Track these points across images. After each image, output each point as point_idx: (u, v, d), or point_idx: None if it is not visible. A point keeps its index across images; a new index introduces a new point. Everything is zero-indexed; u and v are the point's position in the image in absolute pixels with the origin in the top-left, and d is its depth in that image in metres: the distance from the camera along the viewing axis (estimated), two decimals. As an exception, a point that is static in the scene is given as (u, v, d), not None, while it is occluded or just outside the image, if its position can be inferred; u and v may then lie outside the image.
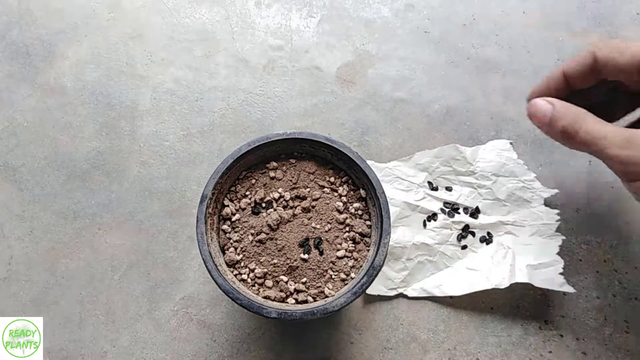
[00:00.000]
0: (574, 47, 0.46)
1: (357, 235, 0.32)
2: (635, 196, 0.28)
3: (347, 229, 0.32)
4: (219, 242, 0.32)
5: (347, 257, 0.31)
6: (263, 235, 0.31)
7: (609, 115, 0.32)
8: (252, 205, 0.33)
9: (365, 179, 0.32)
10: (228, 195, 0.33)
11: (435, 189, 0.40)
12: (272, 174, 0.33)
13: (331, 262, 0.31)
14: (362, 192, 0.33)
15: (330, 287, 0.30)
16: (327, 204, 0.32)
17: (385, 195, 0.31)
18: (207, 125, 0.43)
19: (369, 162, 0.34)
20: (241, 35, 0.47)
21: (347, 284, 0.30)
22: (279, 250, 0.31)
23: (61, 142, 0.42)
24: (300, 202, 0.33)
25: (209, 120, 0.43)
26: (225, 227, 0.32)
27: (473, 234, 0.39)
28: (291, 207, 0.32)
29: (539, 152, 0.42)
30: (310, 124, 0.43)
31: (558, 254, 0.36)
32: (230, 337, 0.36)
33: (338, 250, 0.31)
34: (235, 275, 0.31)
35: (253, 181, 0.33)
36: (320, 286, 0.30)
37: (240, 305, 0.28)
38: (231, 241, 0.32)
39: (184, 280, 0.38)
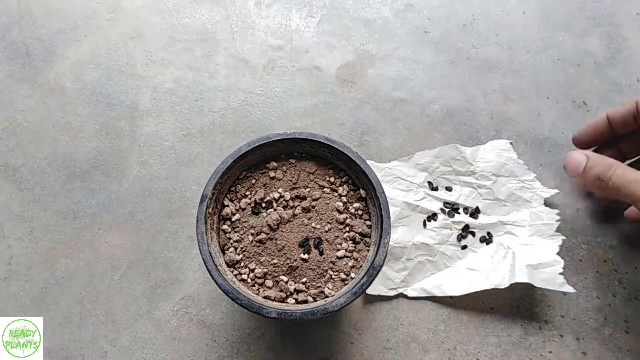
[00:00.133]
0: (574, 47, 0.46)
1: (357, 235, 0.32)
2: None
3: (347, 229, 0.32)
4: (219, 242, 0.32)
5: (347, 257, 0.31)
6: (263, 235, 0.31)
7: None
8: (252, 205, 0.33)
9: (365, 179, 0.32)
10: (228, 195, 0.33)
11: (435, 189, 0.40)
12: (272, 174, 0.33)
13: (331, 262, 0.31)
14: (362, 192, 0.33)
15: (330, 287, 0.30)
16: (327, 204, 0.32)
17: (385, 195, 0.31)
18: (207, 125, 0.43)
19: (369, 162, 0.34)
20: (241, 35, 0.47)
21: (347, 284, 0.30)
22: (279, 250, 0.31)
23: (61, 142, 0.42)
24: (300, 202, 0.33)
25: (209, 120, 0.43)
26: (225, 227, 0.32)
27: (473, 234, 0.39)
28: (291, 207, 0.32)
29: (539, 152, 0.42)
30: (310, 124, 0.43)
31: (558, 254, 0.36)
32: (230, 337, 0.36)
33: (338, 250, 0.31)
34: (235, 275, 0.31)
35: (253, 181, 0.33)
36: (320, 286, 0.30)
37: (240, 305, 0.28)
38: (231, 241, 0.32)
39: (184, 280, 0.38)
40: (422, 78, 0.45)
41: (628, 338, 0.36)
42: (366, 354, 0.35)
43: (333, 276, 0.31)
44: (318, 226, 0.32)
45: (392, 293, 0.37)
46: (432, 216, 0.39)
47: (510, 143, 0.41)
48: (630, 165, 0.37)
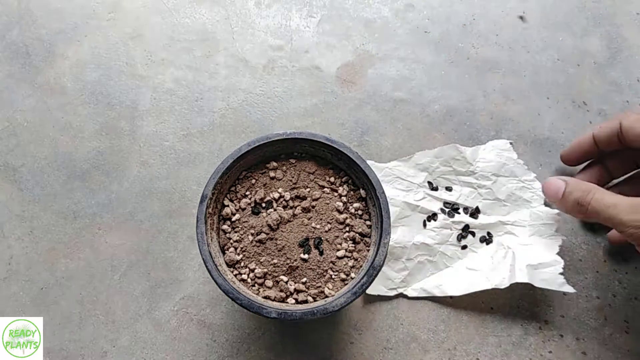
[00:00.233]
0: (574, 47, 0.46)
1: (357, 235, 0.32)
2: None
3: (347, 229, 0.32)
4: (219, 242, 0.32)
5: (347, 257, 0.31)
6: (263, 235, 0.31)
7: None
8: (252, 205, 0.33)
9: (365, 179, 0.32)
10: (228, 195, 0.33)
11: (435, 189, 0.40)
12: (272, 174, 0.33)
13: (331, 262, 0.31)
14: (362, 192, 0.33)
15: (330, 287, 0.30)
16: (327, 204, 0.32)
17: (385, 195, 0.31)
18: (207, 125, 0.43)
19: (369, 162, 0.34)
20: (241, 35, 0.47)
21: (347, 284, 0.30)
22: (279, 250, 0.31)
23: (61, 142, 0.42)
24: (300, 202, 0.33)
25: (209, 120, 0.43)
26: (225, 227, 0.32)
27: (473, 234, 0.39)
28: (291, 207, 0.32)
29: (539, 152, 0.42)
30: (310, 124, 0.43)
31: (558, 254, 0.36)
32: (230, 337, 0.36)
33: (338, 250, 0.31)
34: (235, 275, 0.31)
35: (253, 181, 0.33)
36: (320, 286, 0.30)
37: (240, 305, 0.28)
38: (231, 241, 0.32)
39: (184, 280, 0.38)
40: (422, 78, 0.45)
41: (628, 338, 0.36)
42: (366, 354, 0.35)
43: (333, 276, 0.31)
44: (318, 226, 0.32)
45: (392, 293, 0.37)
46: (432, 216, 0.39)
47: (510, 143, 0.41)
48: (617, 184, 0.38)
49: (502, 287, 0.35)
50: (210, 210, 0.31)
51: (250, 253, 0.31)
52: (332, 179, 0.34)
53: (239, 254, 0.31)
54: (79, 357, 0.35)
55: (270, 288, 0.30)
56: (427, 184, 0.40)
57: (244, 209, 0.33)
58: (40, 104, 0.44)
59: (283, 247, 0.31)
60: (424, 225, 0.39)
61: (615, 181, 0.39)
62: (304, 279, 0.30)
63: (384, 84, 0.45)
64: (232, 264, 0.31)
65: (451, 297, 0.37)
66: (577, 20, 0.47)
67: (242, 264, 0.31)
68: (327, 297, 0.30)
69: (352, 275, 0.31)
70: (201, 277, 0.38)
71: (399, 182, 0.40)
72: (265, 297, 0.30)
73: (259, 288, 0.30)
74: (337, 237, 0.32)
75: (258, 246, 0.31)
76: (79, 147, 0.42)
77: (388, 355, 0.35)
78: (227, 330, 0.36)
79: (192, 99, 0.44)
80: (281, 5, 0.48)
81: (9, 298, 0.37)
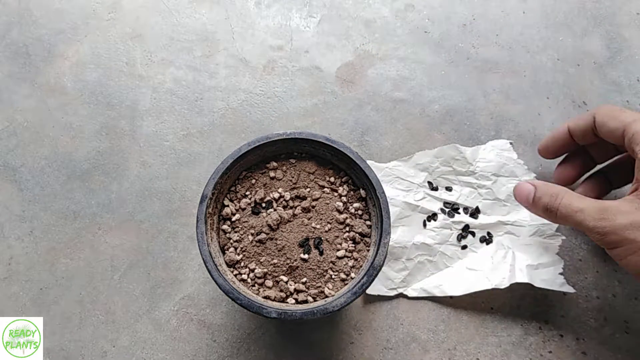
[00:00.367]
0: (574, 47, 0.46)
1: (357, 235, 0.32)
2: (619, 262, 0.30)
3: (347, 229, 0.32)
4: (219, 242, 0.32)
5: (347, 257, 0.31)
6: (263, 235, 0.31)
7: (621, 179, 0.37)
8: (252, 205, 0.33)
9: (365, 179, 0.32)
10: (228, 195, 0.33)
11: (435, 189, 0.40)
12: (272, 174, 0.33)
13: (331, 262, 0.31)
14: (362, 192, 0.33)
15: (330, 287, 0.30)
16: (327, 204, 0.32)
17: (385, 195, 0.31)
18: (207, 125, 0.43)
19: (369, 162, 0.34)
20: (241, 35, 0.47)
21: (347, 284, 0.30)
22: (279, 250, 0.31)
23: (61, 142, 0.42)
24: (300, 202, 0.33)
25: (209, 120, 0.43)
26: (225, 227, 0.32)
27: (473, 234, 0.39)
28: (291, 207, 0.32)
29: (539, 152, 0.42)
30: (310, 124, 0.43)
31: (558, 254, 0.36)
32: (230, 337, 0.36)
33: (338, 250, 0.31)
34: (235, 275, 0.31)
35: (253, 181, 0.33)
36: (320, 286, 0.30)
37: (240, 305, 0.28)
38: (231, 241, 0.32)
39: (184, 280, 0.38)
40: (422, 78, 0.45)
41: (628, 338, 0.36)
42: (366, 354, 0.35)
43: (333, 276, 0.31)
44: (318, 226, 0.32)
45: (392, 293, 0.37)
46: (432, 216, 0.39)
47: (510, 143, 0.41)
48: (602, 170, 0.38)
49: (502, 287, 0.35)
50: (210, 210, 0.31)
51: (250, 253, 0.31)
52: (332, 179, 0.34)
53: (239, 254, 0.31)
54: (79, 357, 0.35)
55: (270, 288, 0.30)
56: (427, 184, 0.40)
57: (244, 209, 0.33)
58: (40, 104, 0.44)
59: (283, 247, 0.31)
60: (424, 225, 0.39)
61: (599, 166, 0.38)
62: (304, 279, 0.30)
63: (384, 84, 0.45)
64: (232, 264, 0.31)
65: (451, 297, 0.37)
66: (577, 20, 0.47)
67: (242, 264, 0.31)
68: (327, 297, 0.30)
69: (352, 275, 0.31)
70: (201, 277, 0.38)
71: (399, 182, 0.40)
72: (265, 297, 0.30)
73: (259, 288, 0.30)
74: (337, 237, 0.32)
75: (258, 246, 0.31)
76: (79, 147, 0.42)
77: (388, 355, 0.35)
78: (227, 330, 0.36)
79: (192, 99, 0.44)
80: (281, 5, 0.48)
81: (9, 298, 0.37)
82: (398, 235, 0.38)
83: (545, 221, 0.38)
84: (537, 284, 0.35)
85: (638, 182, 0.29)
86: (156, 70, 0.45)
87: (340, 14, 0.48)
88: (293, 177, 0.33)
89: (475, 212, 0.39)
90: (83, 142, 0.42)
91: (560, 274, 0.36)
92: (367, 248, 0.32)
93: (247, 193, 0.33)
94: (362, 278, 0.29)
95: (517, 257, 0.36)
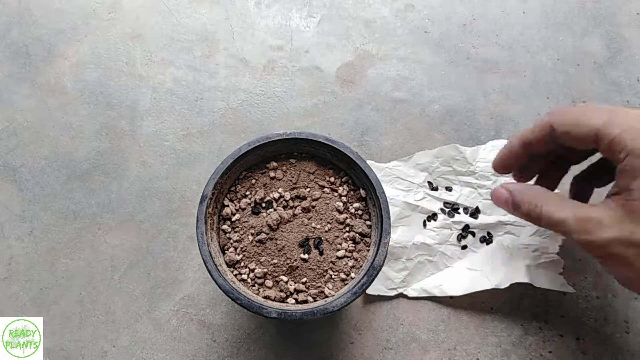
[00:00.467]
0: (574, 47, 0.46)
1: (357, 235, 0.32)
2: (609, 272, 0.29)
3: (347, 229, 0.32)
4: (219, 242, 0.32)
5: (347, 257, 0.31)
6: (263, 235, 0.31)
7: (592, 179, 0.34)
8: (252, 205, 0.33)
9: (365, 179, 0.32)
10: (228, 195, 0.33)
11: (435, 189, 0.40)
12: (272, 174, 0.33)
13: (331, 262, 0.31)
14: (362, 192, 0.33)
15: (330, 287, 0.30)
16: (327, 204, 0.32)
17: (385, 195, 0.31)
18: (207, 125, 0.43)
19: (369, 162, 0.34)
20: (241, 35, 0.47)
21: (347, 284, 0.30)
22: (279, 250, 0.31)
23: (61, 142, 0.42)
24: (300, 202, 0.33)
25: (209, 120, 0.43)
26: (225, 227, 0.32)
27: (473, 234, 0.39)
28: (291, 207, 0.32)
29: (539, 152, 0.42)
30: (310, 124, 0.43)
31: (558, 254, 0.36)
32: (230, 337, 0.36)
33: (338, 250, 0.31)
34: (235, 275, 0.31)
35: (253, 181, 0.33)
36: (320, 286, 0.30)
37: (240, 305, 0.28)
38: (231, 241, 0.32)
39: (184, 280, 0.38)
40: (422, 78, 0.45)
41: (628, 338, 0.35)
42: (366, 354, 0.35)
43: (333, 276, 0.31)
44: (318, 226, 0.32)
45: (392, 293, 0.37)
46: (432, 216, 0.39)
47: (510, 143, 0.41)
48: (579, 175, 0.35)
49: (502, 287, 0.35)
50: (210, 210, 0.31)
51: (250, 253, 0.31)
52: (332, 179, 0.34)
53: (239, 254, 0.31)
54: (79, 357, 0.35)
55: (270, 288, 0.30)
56: (427, 184, 0.40)
57: (244, 209, 0.33)
58: (40, 104, 0.44)
59: (283, 247, 0.31)
60: (424, 225, 0.39)
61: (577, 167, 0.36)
62: (304, 279, 0.30)
63: (384, 84, 0.45)
64: (232, 264, 0.31)
65: (451, 297, 0.37)
66: (577, 20, 0.47)
67: (242, 264, 0.31)
68: (327, 297, 0.30)
69: (352, 275, 0.31)
70: (201, 277, 0.38)
71: (399, 182, 0.40)
72: (265, 297, 0.30)
73: (259, 288, 0.30)
74: (337, 237, 0.32)
75: (258, 246, 0.31)
76: (79, 147, 0.42)
77: (388, 355, 0.35)
78: (227, 330, 0.36)
79: (192, 99, 0.44)
80: (281, 5, 0.48)
81: (9, 298, 0.37)
82: (398, 235, 0.38)
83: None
84: (537, 284, 0.35)
85: (619, 188, 0.27)
86: (156, 70, 0.45)
87: (340, 14, 0.48)
88: (293, 177, 0.33)
89: (475, 212, 0.39)
90: (83, 142, 0.42)
91: (560, 274, 0.36)
92: (367, 248, 0.32)
93: (247, 193, 0.33)
94: (362, 278, 0.29)
95: (517, 257, 0.36)
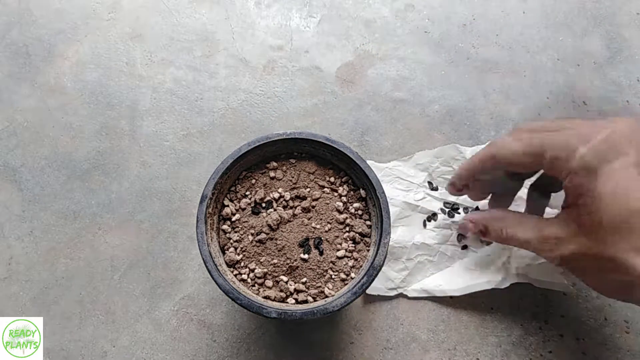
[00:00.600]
0: (574, 47, 0.46)
1: (357, 235, 0.32)
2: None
3: (347, 229, 0.32)
4: (219, 242, 0.32)
5: (347, 257, 0.31)
6: (263, 235, 0.31)
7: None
8: (252, 205, 0.33)
9: (365, 179, 0.32)
10: (228, 195, 0.33)
11: (435, 189, 0.40)
12: (272, 174, 0.33)
13: (331, 262, 0.31)
14: (362, 192, 0.33)
15: (330, 287, 0.30)
16: (327, 204, 0.32)
17: (385, 195, 0.31)
18: (207, 125, 0.43)
19: (369, 162, 0.34)
20: (241, 35, 0.47)
21: (347, 284, 0.30)
22: (279, 250, 0.31)
23: (61, 142, 0.42)
24: (300, 202, 0.33)
25: (209, 120, 0.43)
26: (225, 227, 0.32)
27: (473, 234, 0.39)
28: (291, 207, 0.32)
29: (539, 152, 0.42)
30: (310, 124, 0.43)
31: (558, 254, 0.36)
32: (230, 337, 0.36)
33: (338, 250, 0.31)
34: (235, 275, 0.31)
35: (253, 181, 0.33)
36: (320, 286, 0.30)
37: (240, 305, 0.28)
38: (231, 241, 0.32)
39: (184, 280, 0.38)
40: (422, 78, 0.45)
41: (628, 338, 0.36)
42: (366, 354, 0.35)
43: (333, 276, 0.31)
44: (318, 226, 0.32)
45: (392, 293, 0.37)
46: (432, 216, 0.39)
47: (510, 143, 0.41)
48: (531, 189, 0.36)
49: (502, 287, 0.35)
50: (210, 210, 0.31)
51: (250, 253, 0.31)
52: (332, 179, 0.34)
53: (239, 254, 0.31)
54: (79, 357, 0.35)
55: (270, 288, 0.30)
56: (427, 184, 0.40)
57: (244, 209, 0.33)
58: (40, 104, 0.44)
59: (283, 247, 0.31)
60: (424, 225, 0.39)
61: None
62: (304, 279, 0.30)
63: (384, 84, 0.45)
64: (232, 264, 0.31)
65: (451, 297, 0.37)
66: (577, 20, 0.47)
67: (242, 264, 0.31)
68: (327, 297, 0.30)
69: (352, 275, 0.31)
70: (201, 277, 0.38)
71: (399, 182, 0.40)
72: (265, 297, 0.30)
73: (259, 288, 0.30)
74: (337, 237, 0.32)
75: (258, 246, 0.31)
76: (79, 147, 0.42)
77: (388, 355, 0.35)
78: (227, 330, 0.36)
79: (192, 99, 0.44)
80: (281, 5, 0.48)
81: (9, 298, 0.37)
82: (398, 235, 0.38)
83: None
84: (537, 284, 0.35)
85: (568, 203, 0.29)
86: (156, 70, 0.45)
87: (340, 14, 0.48)
88: (293, 177, 0.33)
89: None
90: (83, 142, 0.42)
91: (561, 274, 0.36)
92: (367, 248, 0.32)
93: (247, 193, 0.33)
94: (362, 278, 0.29)
95: (517, 257, 0.36)
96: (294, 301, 0.30)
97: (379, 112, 0.44)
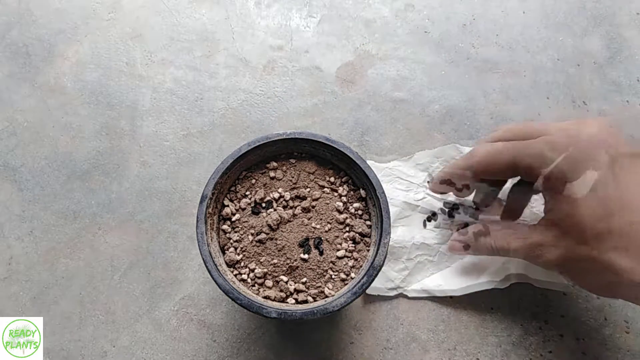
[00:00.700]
0: (574, 47, 0.46)
1: (357, 235, 0.32)
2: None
3: (347, 229, 0.32)
4: (219, 242, 0.32)
5: (347, 257, 0.31)
6: (263, 235, 0.31)
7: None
8: (252, 205, 0.33)
9: (365, 179, 0.32)
10: (228, 195, 0.33)
11: (435, 189, 0.40)
12: (272, 174, 0.33)
13: (331, 262, 0.31)
14: (362, 192, 0.33)
15: (330, 287, 0.30)
16: (327, 204, 0.32)
17: (385, 195, 0.31)
18: (207, 125, 0.43)
19: (369, 162, 0.34)
20: (241, 35, 0.47)
21: (347, 284, 0.30)
22: (279, 250, 0.31)
23: (61, 142, 0.42)
24: (300, 202, 0.33)
25: (209, 120, 0.43)
26: (225, 227, 0.32)
27: (473, 234, 0.39)
28: (291, 207, 0.32)
29: (539, 152, 0.42)
30: (310, 124, 0.43)
31: (558, 254, 0.36)
32: (230, 337, 0.36)
33: (338, 250, 0.31)
34: (235, 275, 0.31)
35: (253, 181, 0.33)
36: (320, 286, 0.30)
37: (240, 305, 0.28)
38: (231, 241, 0.32)
39: (184, 280, 0.38)
40: (422, 78, 0.45)
41: (628, 338, 0.36)
42: (366, 354, 0.35)
43: (333, 276, 0.31)
44: (318, 226, 0.32)
45: (392, 293, 0.37)
46: (432, 216, 0.39)
47: (510, 143, 0.41)
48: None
49: (502, 287, 0.35)
50: (210, 210, 0.31)
51: (250, 253, 0.31)
52: (332, 179, 0.34)
53: (239, 254, 0.31)
54: (79, 357, 0.35)
55: (270, 288, 0.30)
56: (427, 184, 0.40)
57: (244, 209, 0.33)
58: (40, 104, 0.44)
59: (283, 247, 0.31)
60: (424, 225, 0.39)
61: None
62: (304, 279, 0.30)
63: (384, 84, 0.45)
64: (232, 264, 0.31)
65: (451, 297, 0.37)
66: (577, 20, 0.47)
67: (242, 264, 0.31)
68: (327, 297, 0.30)
69: (352, 275, 0.31)
70: (201, 277, 0.38)
71: (399, 182, 0.40)
72: (265, 297, 0.30)
73: (259, 288, 0.30)
74: (337, 237, 0.32)
75: (258, 246, 0.31)
76: (79, 147, 0.42)
77: (388, 355, 0.35)
78: (227, 330, 0.36)
79: (192, 99, 0.44)
80: (281, 5, 0.48)
81: (9, 298, 0.37)
82: (398, 235, 0.38)
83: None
84: (537, 284, 0.35)
85: (548, 208, 0.30)
86: (156, 70, 0.45)
87: (340, 14, 0.48)
88: (293, 177, 0.33)
89: (475, 212, 0.39)
90: (83, 142, 0.42)
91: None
92: (367, 248, 0.32)
93: (247, 193, 0.33)
94: (362, 278, 0.29)
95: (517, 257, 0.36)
96: (294, 301, 0.30)
97: (379, 112, 0.44)
